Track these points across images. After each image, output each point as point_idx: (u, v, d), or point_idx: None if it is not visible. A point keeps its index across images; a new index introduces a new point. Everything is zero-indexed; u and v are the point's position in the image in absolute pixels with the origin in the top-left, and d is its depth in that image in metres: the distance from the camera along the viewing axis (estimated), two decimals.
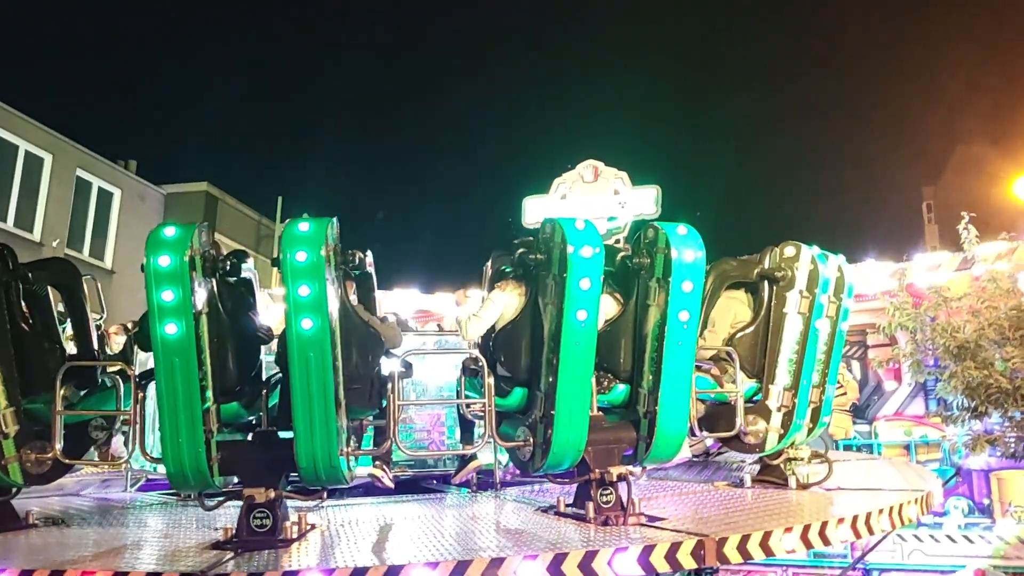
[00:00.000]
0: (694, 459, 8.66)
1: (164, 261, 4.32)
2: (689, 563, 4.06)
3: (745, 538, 4.19)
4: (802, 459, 6.91)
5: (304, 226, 4.33)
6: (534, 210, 19.97)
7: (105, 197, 22.10)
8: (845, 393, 14.02)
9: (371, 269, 5.37)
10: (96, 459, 6.93)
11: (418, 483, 7.92)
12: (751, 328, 6.42)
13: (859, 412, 14.71)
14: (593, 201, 20.05)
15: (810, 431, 6.70)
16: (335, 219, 4.53)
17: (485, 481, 7.41)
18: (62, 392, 5.15)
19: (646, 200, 19.94)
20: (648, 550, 3.90)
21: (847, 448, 13.54)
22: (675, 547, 3.96)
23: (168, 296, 4.34)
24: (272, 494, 4.62)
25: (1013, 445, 12.11)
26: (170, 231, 4.43)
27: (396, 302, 16.71)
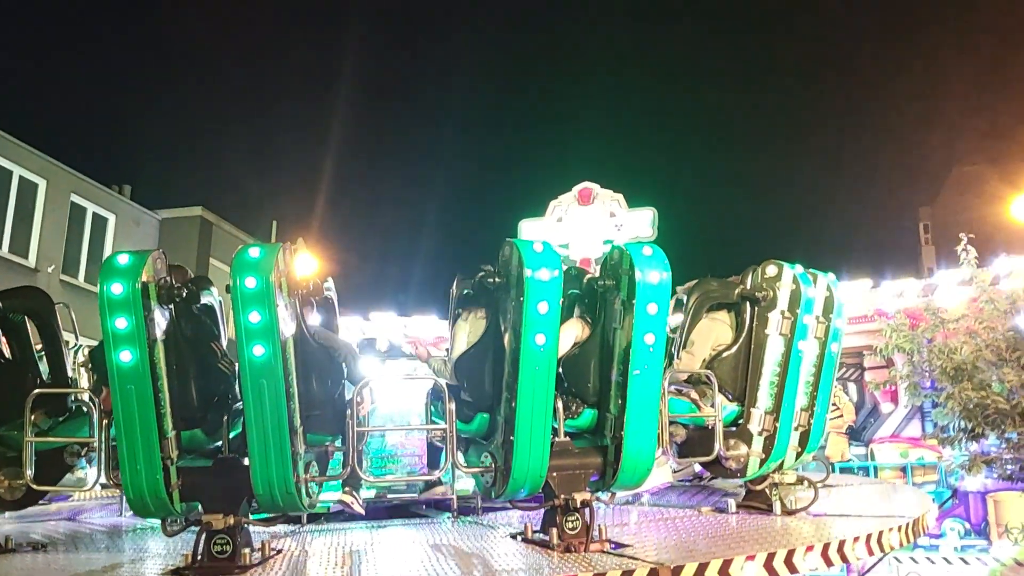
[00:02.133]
0: (686, 483, 8.54)
1: (117, 289, 4.30)
2: None
3: (703, 567, 4.09)
4: (788, 484, 6.78)
5: (254, 252, 4.29)
6: (530, 232, 19.84)
7: (100, 222, 22.06)
8: (841, 415, 13.91)
9: (331, 294, 5.32)
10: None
11: (407, 508, 7.84)
12: (732, 350, 6.32)
13: (855, 434, 14.59)
14: (589, 223, 19.96)
15: (799, 455, 6.57)
16: (288, 244, 4.49)
17: (466, 507, 7.33)
18: (32, 419, 5.11)
19: (642, 222, 19.81)
20: None
21: (844, 471, 13.40)
22: None
23: (122, 324, 4.31)
24: (232, 520, 4.57)
25: (1010, 466, 11.98)
26: (123, 258, 4.41)
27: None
